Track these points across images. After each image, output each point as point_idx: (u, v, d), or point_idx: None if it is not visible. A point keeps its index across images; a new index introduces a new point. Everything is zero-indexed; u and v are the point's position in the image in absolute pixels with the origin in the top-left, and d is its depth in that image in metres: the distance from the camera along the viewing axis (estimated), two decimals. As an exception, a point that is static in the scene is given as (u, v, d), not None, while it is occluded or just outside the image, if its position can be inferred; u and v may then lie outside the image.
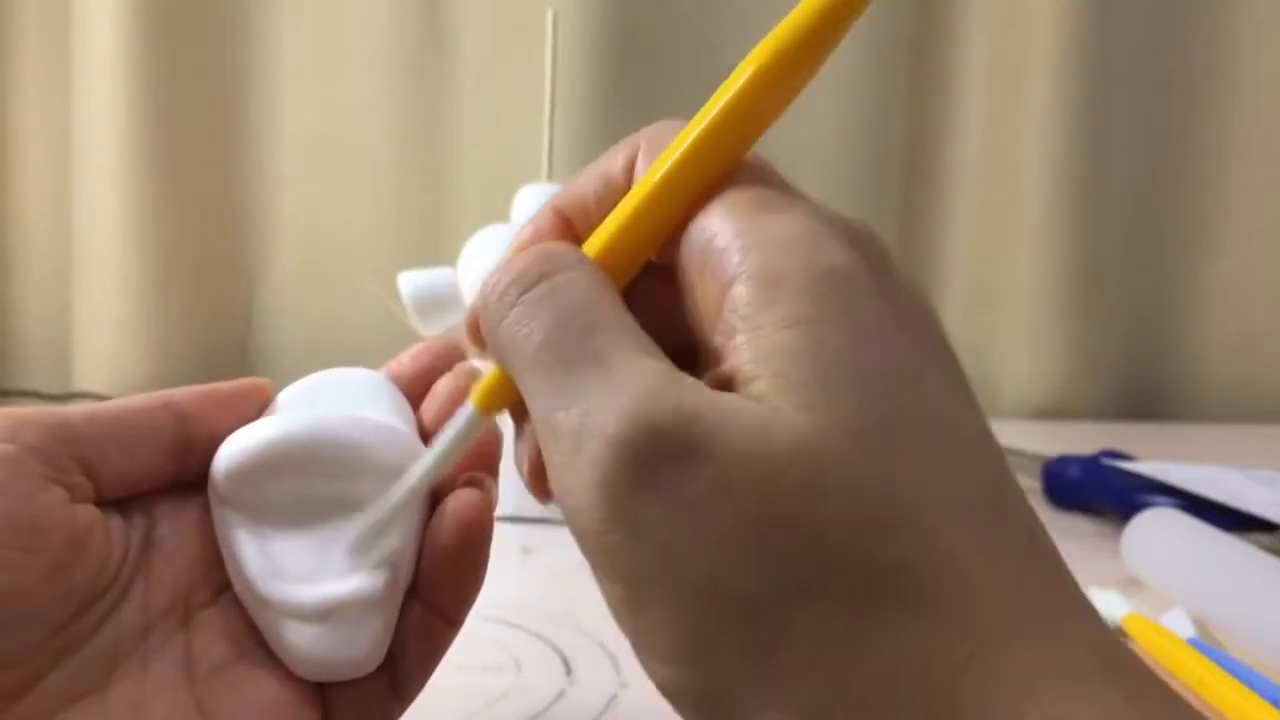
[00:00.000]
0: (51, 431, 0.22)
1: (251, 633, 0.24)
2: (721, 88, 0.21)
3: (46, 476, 0.22)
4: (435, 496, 0.25)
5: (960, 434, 0.18)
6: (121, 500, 0.24)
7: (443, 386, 0.27)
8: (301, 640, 0.24)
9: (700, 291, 0.20)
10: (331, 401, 0.26)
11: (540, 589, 0.46)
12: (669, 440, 0.17)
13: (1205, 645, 0.39)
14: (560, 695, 0.35)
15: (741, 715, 0.17)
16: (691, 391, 0.18)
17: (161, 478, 0.25)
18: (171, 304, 0.87)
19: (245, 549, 0.24)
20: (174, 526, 0.25)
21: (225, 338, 0.91)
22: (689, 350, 0.20)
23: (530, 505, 0.53)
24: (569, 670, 0.37)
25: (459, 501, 0.24)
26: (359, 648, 0.24)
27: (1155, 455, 0.62)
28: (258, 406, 0.26)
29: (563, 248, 0.21)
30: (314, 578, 0.24)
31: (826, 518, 0.16)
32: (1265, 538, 0.49)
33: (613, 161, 0.23)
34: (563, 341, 0.19)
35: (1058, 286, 0.92)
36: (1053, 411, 0.92)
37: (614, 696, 0.35)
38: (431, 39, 0.88)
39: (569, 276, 0.20)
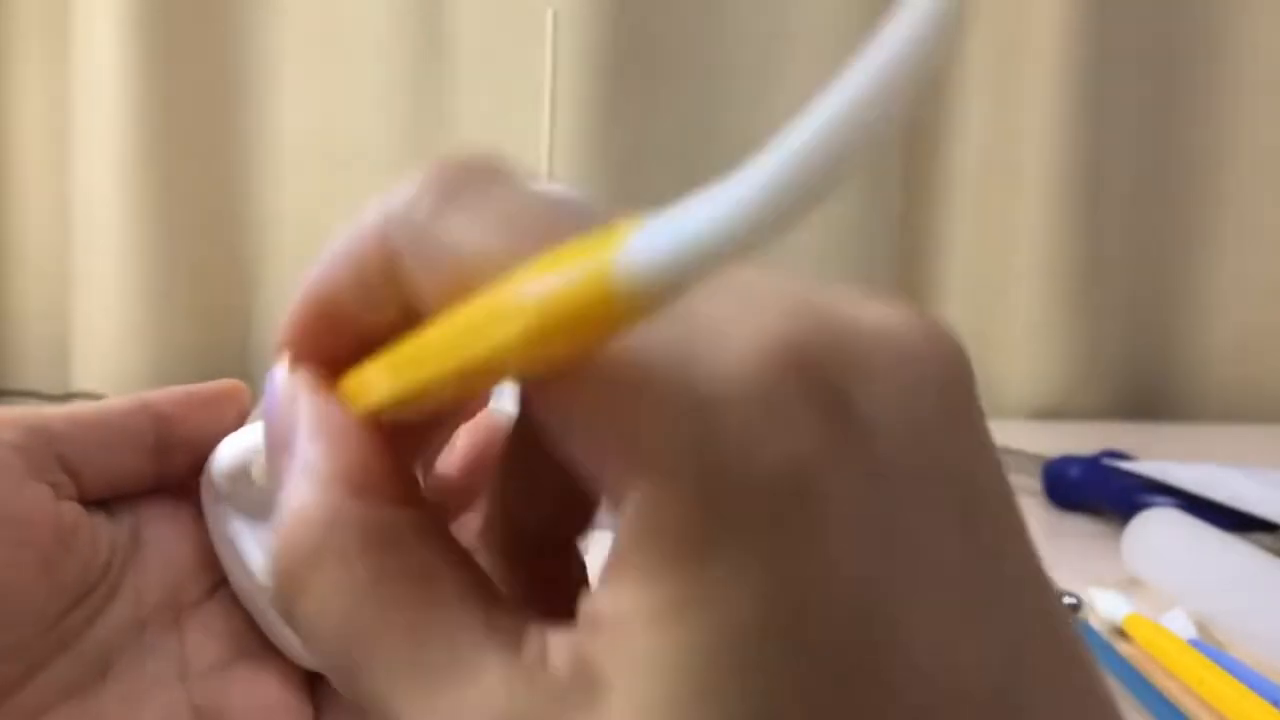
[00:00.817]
0: (32, 431, 0.22)
1: (245, 631, 0.24)
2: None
3: (30, 473, 0.22)
4: None
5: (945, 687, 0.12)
6: (105, 500, 0.24)
7: (464, 438, 0.27)
8: None
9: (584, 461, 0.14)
10: None
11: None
12: None
13: (1206, 645, 0.39)
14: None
15: None
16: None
17: (143, 478, 0.25)
18: (171, 304, 0.87)
19: (246, 543, 0.24)
20: (161, 526, 0.25)
21: (225, 337, 0.91)
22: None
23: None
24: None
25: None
26: None
27: (1156, 455, 0.62)
28: (236, 409, 0.26)
29: (317, 502, 0.15)
30: None
31: None
32: (1266, 538, 0.49)
33: (362, 243, 0.17)
34: (351, 680, 0.14)
35: (1058, 286, 0.92)
36: (1053, 411, 0.92)
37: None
38: (431, 39, 0.88)
39: (344, 558, 0.15)
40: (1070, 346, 0.93)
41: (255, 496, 0.25)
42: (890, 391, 0.13)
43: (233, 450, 0.25)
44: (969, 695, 0.12)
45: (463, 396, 0.16)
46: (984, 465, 0.13)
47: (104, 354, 0.86)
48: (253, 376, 0.92)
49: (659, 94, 0.89)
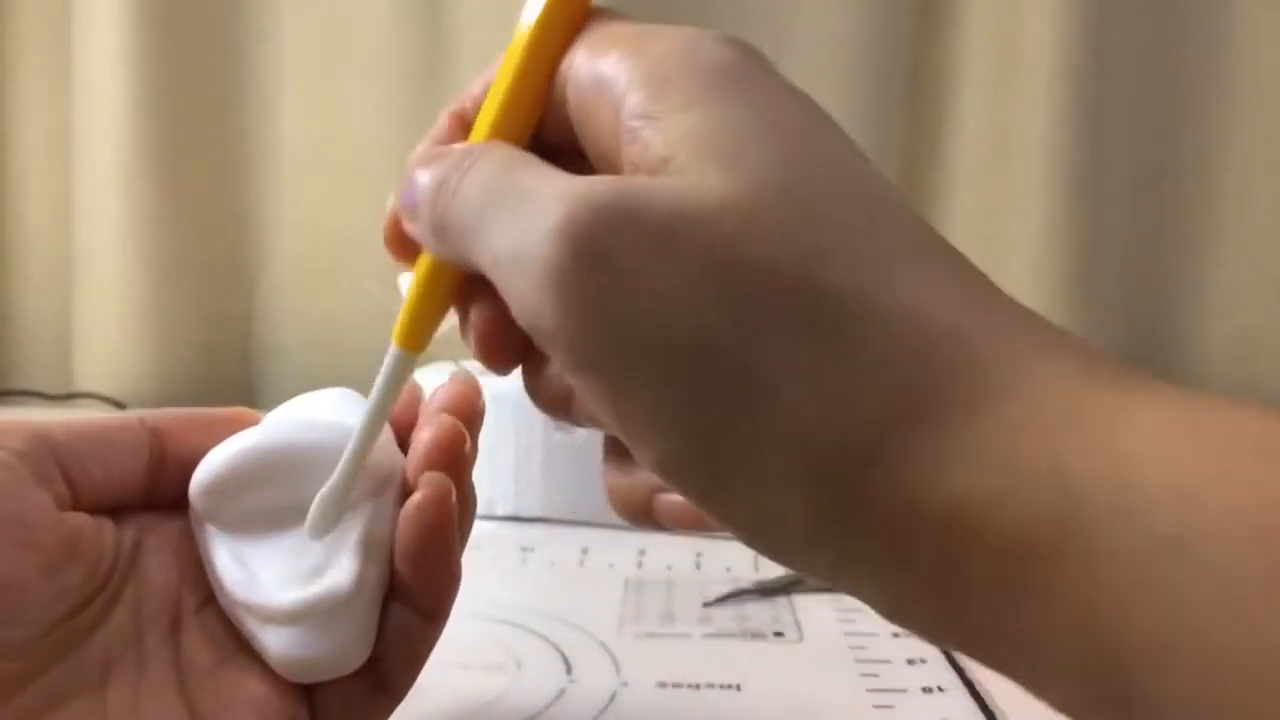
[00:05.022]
0: (35, 440, 0.23)
1: (238, 637, 0.25)
2: None
3: (34, 480, 0.22)
4: (404, 498, 0.26)
5: (867, 180, 0.19)
6: (105, 511, 0.25)
7: (435, 404, 0.27)
8: (281, 643, 0.24)
9: (597, 123, 0.20)
10: (303, 416, 0.27)
11: (540, 588, 0.46)
12: (601, 219, 0.18)
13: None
14: (560, 694, 0.35)
15: (746, 474, 0.17)
16: (614, 181, 0.19)
17: (137, 492, 0.25)
18: (172, 304, 0.87)
19: (222, 559, 0.25)
20: (161, 538, 0.25)
21: (226, 338, 0.91)
22: None
23: (529, 505, 0.53)
24: (569, 669, 0.37)
25: (418, 497, 0.25)
26: (336, 646, 0.25)
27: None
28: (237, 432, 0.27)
29: (465, 144, 0.22)
30: (289, 582, 0.25)
31: (768, 255, 0.17)
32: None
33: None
34: (495, 192, 0.20)
35: (1057, 288, 0.92)
36: (1052, 411, 0.92)
37: (614, 695, 0.35)
38: (431, 41, 0.88)
39: (486, 153, 0.21)
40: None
41: (233, 512, 0.25)
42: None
43: (209, 468, 0.25)
44: (874, 185, 0.19)
45: (539, 91, 0.22)
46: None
47: (106, 355, 0.87)
48: (254, 377, 0.92)
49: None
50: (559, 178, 0.19)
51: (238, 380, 0.91)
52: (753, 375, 0.17)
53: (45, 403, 0.86)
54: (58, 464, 0.23)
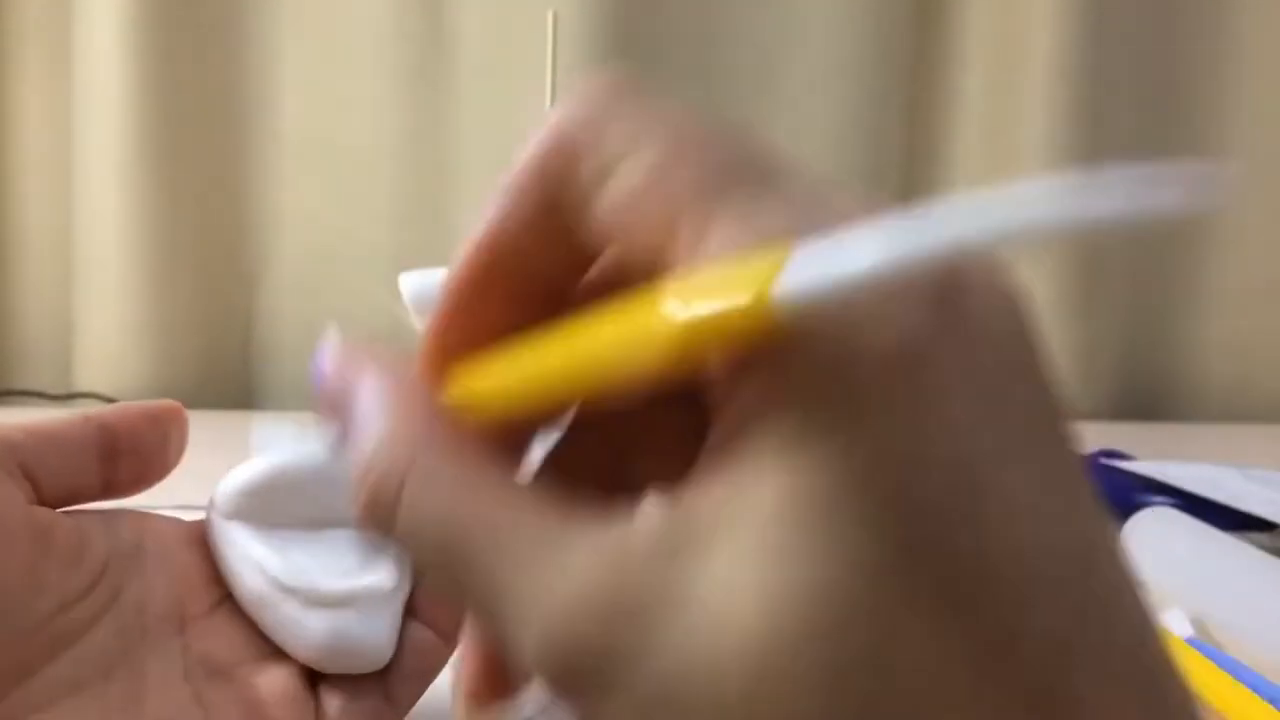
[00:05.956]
0: None
1: (249, 640, 0.26)
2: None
3: (2, 475, 0.23)
4: None
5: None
6: (61, 506, 0.25)
7: None
8: (326, 627, 0.25)
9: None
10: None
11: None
12: (591, 658, 0.14)
13: (1203, 645, 0.39)
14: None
15: None
16: (603, 610, 0.14)
17: (93, 486, 0.26)
18: (173, 304, 0.87)
19: (260, 552, 0.26)
20: (163, 542, 0.26)
21: (226, 337, 0.91)
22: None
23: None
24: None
25: None
26: (374, 637, 0.25)
27: (1153, 455, 0.62)
28: (177, 424, 0.27)
29: (401, 439, 0.16)
30: (335, 571, 0.26)
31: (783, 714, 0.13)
32: (1263, 537, 0.50)
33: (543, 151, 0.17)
34: (452, 578, 0.15)
35: (1056, 287, 0.92)
36: (1051, 411, 0.92)
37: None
38: (433, 40, 0.88)
39: (412, 498, 0.16)
40: (1068, 346, 0.93)
41: (269, 514, 0.26)
42: (985, 300, 0.14)
43: (245, 474, 0.27)
44: (1058, 579, 0.13)
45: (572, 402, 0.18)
46: (1048, 374, 0.15)
47: (106, 355, 0.87)
48: (254, 377, 0.92)
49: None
50: (531, 582, 0.14)
51: (238, 380, 0.91)
52: None
53: (45, 403, 0.86)
54: (19, 461, 0.24)
